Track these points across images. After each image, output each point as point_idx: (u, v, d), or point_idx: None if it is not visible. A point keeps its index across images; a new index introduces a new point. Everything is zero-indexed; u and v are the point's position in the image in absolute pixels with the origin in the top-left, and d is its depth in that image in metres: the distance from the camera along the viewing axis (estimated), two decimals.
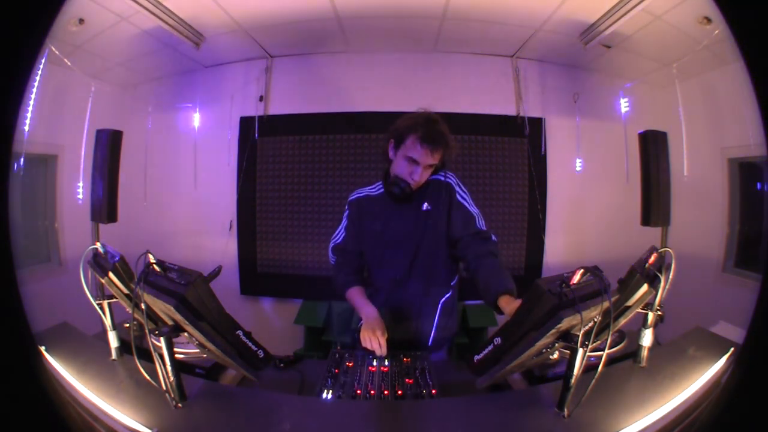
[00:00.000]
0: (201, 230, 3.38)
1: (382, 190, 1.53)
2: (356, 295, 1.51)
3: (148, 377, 0.96)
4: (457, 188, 1.49)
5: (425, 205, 1.47)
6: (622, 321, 1.03)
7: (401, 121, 1.45)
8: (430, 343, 1.50)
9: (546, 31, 2.74)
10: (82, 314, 1.24)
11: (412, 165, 1.40)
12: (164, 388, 0.95)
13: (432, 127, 1.39)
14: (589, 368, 0.93)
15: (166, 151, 3.36)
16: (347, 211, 1.59)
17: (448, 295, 1.53)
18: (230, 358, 1.02)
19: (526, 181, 3.21)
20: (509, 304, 1.20)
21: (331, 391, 1.12)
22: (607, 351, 0.93)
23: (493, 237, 1.47)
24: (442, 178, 1.49)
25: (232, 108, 3.30)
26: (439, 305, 1.51)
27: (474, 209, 1.48)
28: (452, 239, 1.48)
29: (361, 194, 1.58)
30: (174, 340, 1.00)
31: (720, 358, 1.10)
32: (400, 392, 1.12)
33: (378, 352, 1.31)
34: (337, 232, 1.62)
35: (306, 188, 3.23)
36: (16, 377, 0.61)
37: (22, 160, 2.64)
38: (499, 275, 1.32)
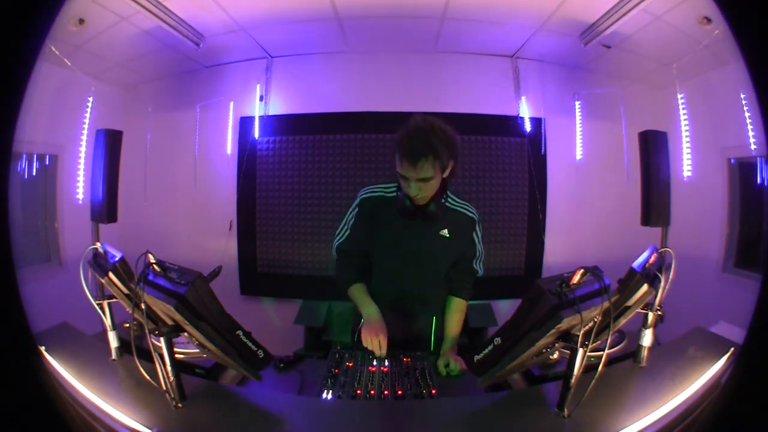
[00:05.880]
0: (201, 230, 3.38)
1: (394, 193, 1.47)
2: (358, 293, 1.50)
3: (148, 377, 0.96)
4: (477, 226, 1.52)
5: (445, 231, 1.46)
6: (622, 321, 1.03)
7: (396, 133, 1.37)
8: (432, 349, 1.52)
9: (546, 31, 2.74)
10: (82, 314, 1.24)
11: (406, 181, 1.35)
12: (164, 388, 0.95)
13: (412, 141, 1.29)
14: (589, 368, 0.93)
15: (166, 150, 3.35)
16: (357, 209, 1.50)
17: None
18: (230, 358, 1.02)
19: (526, 181, 3.21)
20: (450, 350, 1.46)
21: (331, 391, 1.12)
22: (607, 351, 0.93)
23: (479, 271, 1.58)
24: (468, 213, 1.50)
25: (232, 108, 3.31)
26: (437, 316, 1.55)
27: (480, 247, 1.55)
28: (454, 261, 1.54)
29: (375, 193, 1.49)
30: (174, 340, 1.00)
31: (720, 358, 1.10)
32: (400, 392, 1.12)
33: (377, 353, 1.32)
34: (340, 229, 1.55)
35: (306, 188, 3.23)
36: (16, 377, 0.61)
37: (22, 160, 2.64)
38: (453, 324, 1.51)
